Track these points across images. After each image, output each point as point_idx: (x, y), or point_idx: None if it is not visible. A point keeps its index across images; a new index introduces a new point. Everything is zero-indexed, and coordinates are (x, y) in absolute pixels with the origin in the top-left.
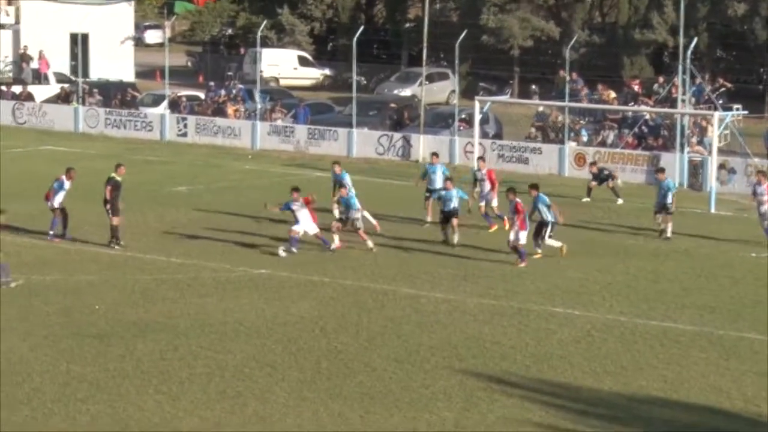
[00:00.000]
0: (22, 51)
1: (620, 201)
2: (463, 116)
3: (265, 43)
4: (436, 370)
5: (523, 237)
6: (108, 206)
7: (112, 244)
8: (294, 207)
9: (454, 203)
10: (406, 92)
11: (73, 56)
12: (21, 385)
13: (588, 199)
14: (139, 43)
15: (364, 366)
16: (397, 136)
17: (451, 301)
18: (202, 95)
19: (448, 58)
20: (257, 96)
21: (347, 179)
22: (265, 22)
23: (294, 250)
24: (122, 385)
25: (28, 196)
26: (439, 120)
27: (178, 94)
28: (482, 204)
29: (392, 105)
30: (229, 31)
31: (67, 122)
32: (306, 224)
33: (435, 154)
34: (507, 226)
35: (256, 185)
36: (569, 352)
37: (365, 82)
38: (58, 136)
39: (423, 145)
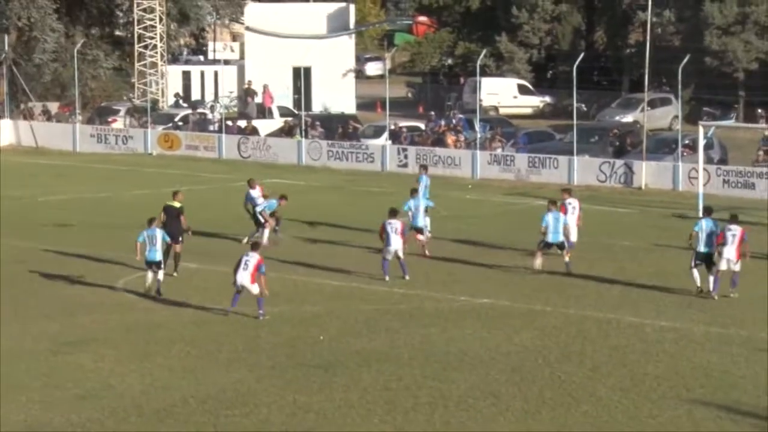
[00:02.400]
0: (246, 86)
1: None
2: (687, 142)
3: (484, 71)
4: (663, 399)
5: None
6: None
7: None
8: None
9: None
10: (628, 118)
11: (296, 90)
12: (249, 416)
13: None
14: (360, 75)
15: (589, 396)
16: (619, 162)
17: (677, 329)
18: (422, 126)
19: (671, 82)
20: (477, 125)
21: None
22: (484, 51)
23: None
24: (348, 415)
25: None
26: (662, 146)
27: (399, 125)
28: None
29: (614, 131)
30: (449, 61)
31: (291, 155)
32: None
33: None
34: None
35: (478, 215)
36: None
37: (585, 109)
38: (282, 168)
39: (645, 171)
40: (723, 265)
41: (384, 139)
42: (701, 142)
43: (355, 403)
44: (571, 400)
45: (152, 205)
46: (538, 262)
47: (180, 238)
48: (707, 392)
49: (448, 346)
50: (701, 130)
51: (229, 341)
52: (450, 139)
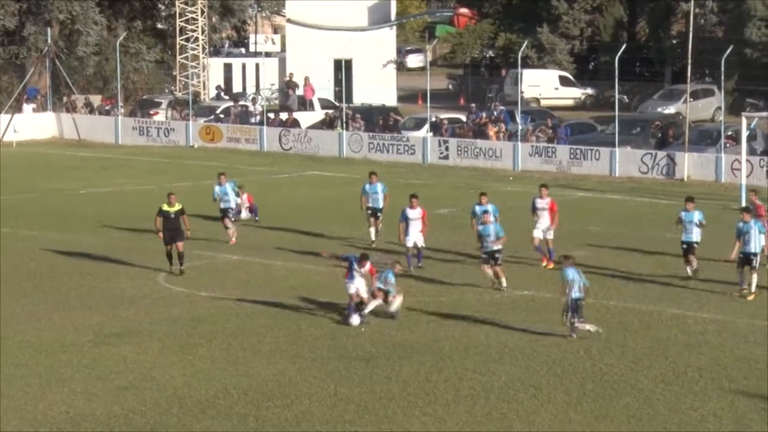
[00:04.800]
0: (287, 78)
1: None
2: (730, 133)
3: (526, 63)
4: (705, 391)
5: None
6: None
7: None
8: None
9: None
10: (670, 110)
11: (337, 82)
12: (290, 407)
13: None
14: (400, 67)
15: (630, 388)
16: (661, 154)
17: (720, 321)
18: (463, 117)
19: (713, 74)
20: (518, 117)
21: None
22: (525, 42)
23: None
24: (389, 407)
25: (295, 221)
26: (705, 137)
27: (440, 117)
28: (537, 236)
29: (656, 123)
30: (490, 52)
31: (332, 147)
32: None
33: (373, 173)
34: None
35: (518, 206)
36: None
37: (627, 100)
38: (323, 161)
39: (688, 163)
40: None
41: (425, 131)
42: (744, 134)
43: (396, 395)
44: (612, 392)
45: (193, 197)
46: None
47: (183, 238)
48: (751, 384)
49: (489, 339)
50: (744, 121)
51: (270, 333)
52: (491, 130)
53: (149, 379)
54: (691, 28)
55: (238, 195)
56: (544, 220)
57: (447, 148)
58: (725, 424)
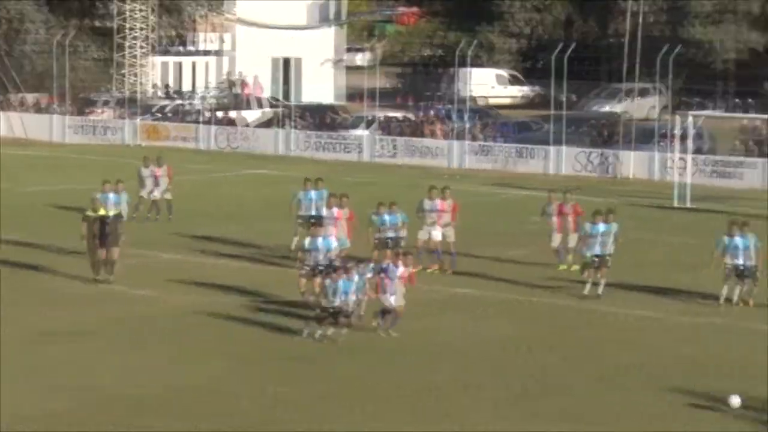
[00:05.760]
0: (231, 77)
1: None
2: (674, 132)
3: (471, 61)
4: (638, 389)
5: None
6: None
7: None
8: None
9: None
10: (612, 108)
11: (281, 80)
12: (227, 407)
13: None
14: (347, 66)
15: (564, 386)
16: (602, 152)
17: (651, 318)
18: (407, 116)
19: (655, 72)
20: (454, 115)
21: None
22: (469, 40)
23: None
24: (328, 407)
25: (237, 219)
26: (646, 136)
27: (384, 116)
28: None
29: (597, 121)
30: (436, 51)
31: (275, 146)
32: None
33: (308, 180)
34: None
35: (462, 204)
36: None
37: (575, 98)
38: (266, 159)
39: (628, 161)
40: None
41: (369, 130)
42: (678, 132)
43: (336, 394)
44: (546, 390)
45: (134, 196)
46: None
47: (117, 244)
48: (683, 381)
49: (428, 337)
50: (678, 119)
51: (207, 332)
52: (434, 128)
53: (83, 378)
54: (631, 27)
55: (128, 204)
56: (565, 225)
57: (393, 147)
58: (657, 421)
